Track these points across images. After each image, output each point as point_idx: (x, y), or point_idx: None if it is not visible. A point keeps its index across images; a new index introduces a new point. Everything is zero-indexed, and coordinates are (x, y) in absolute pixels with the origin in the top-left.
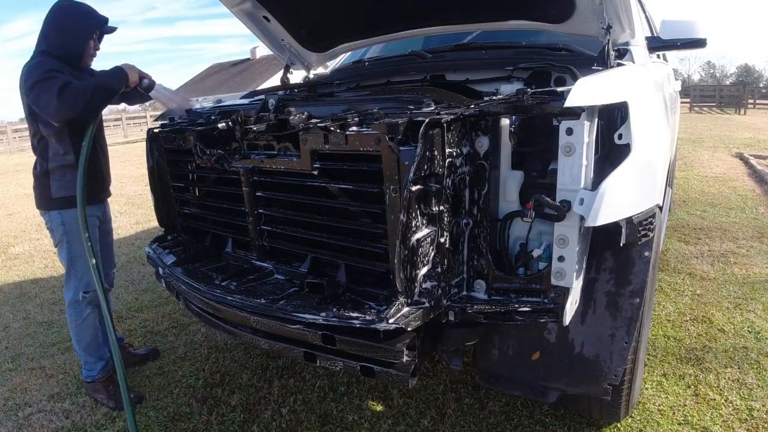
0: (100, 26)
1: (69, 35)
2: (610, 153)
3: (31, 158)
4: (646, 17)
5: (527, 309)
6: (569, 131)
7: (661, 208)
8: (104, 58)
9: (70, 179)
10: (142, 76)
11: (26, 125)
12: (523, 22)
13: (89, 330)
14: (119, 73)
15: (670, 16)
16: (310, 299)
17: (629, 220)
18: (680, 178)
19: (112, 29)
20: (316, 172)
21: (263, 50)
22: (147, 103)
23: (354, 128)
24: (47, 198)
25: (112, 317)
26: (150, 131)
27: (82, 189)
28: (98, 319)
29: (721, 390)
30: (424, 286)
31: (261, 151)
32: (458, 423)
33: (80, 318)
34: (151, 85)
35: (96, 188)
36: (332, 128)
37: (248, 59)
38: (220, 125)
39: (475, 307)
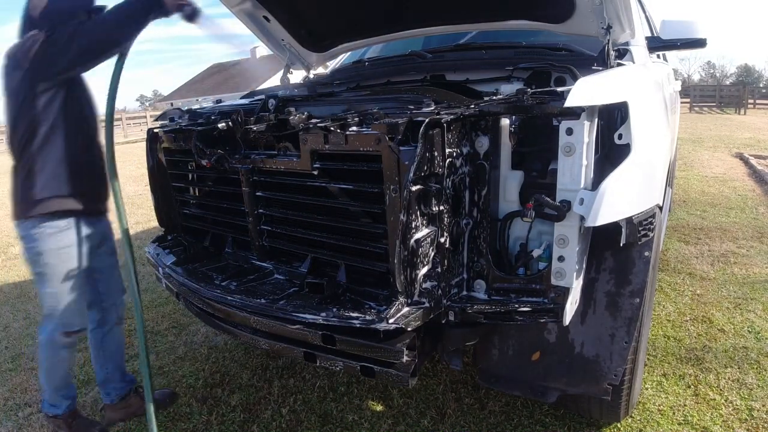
0: (87, 5)
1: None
2: (610, 153)
3: None
4: (646, 17)
5: (527, 309)
6: (569, 131)
7: (661, 208)
8: None
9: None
10: (182, 2)
11: None
12: (523, 22)
13: (63, 370)
14: None
15: (670, 16)
16: (310, 299)
17: (629, 220)
18: (680, 178)
19: (101, 8)
20: (316, 172)
21: (263, 50)
22: (148, 103)
23: (354, 128)
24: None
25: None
26: (150, 131)
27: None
28: (72, 358)
29: (721, 390)
30: (424, 286)
31: (261, 151)
32: (458, 423)
33: (55, 357)
34: (196, 12)
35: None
36: (332, 128)
37: (248, 59)
38: (220, 125)
39: (475, 307)
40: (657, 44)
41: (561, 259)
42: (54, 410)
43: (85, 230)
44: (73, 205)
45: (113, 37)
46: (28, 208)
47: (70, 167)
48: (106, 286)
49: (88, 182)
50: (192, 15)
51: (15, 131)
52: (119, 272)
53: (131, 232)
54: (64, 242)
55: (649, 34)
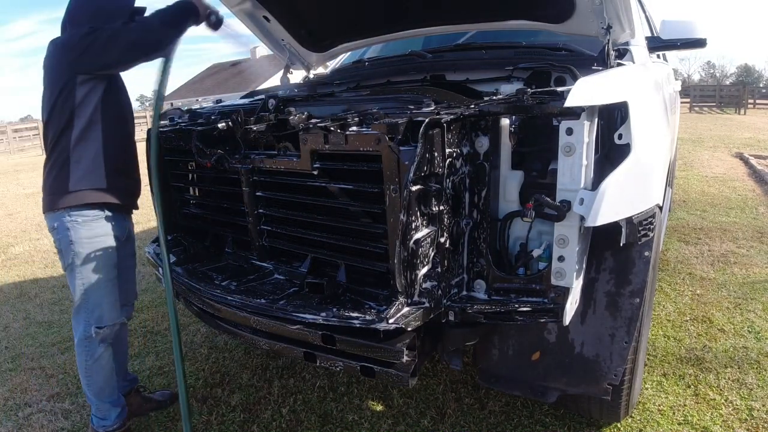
0: (130, 6)
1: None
2: (610, 153)
3: (30, 158)
4: (646, 17)
5: (527, 309)
6: (569, 131)
7: (661, 208)
8: None
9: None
10: (210, 10)
11: (26, 125)
12: (523, 22)
13: (102, 372)
14: (186, 6)
15: (670, 16)
16: (310, 299)
17: (629, 220)
18: (680, 178)
19: (142, 9)
20: (316, 172)
21: (263, 50)
22: (148, 103)
23: (354, 128)
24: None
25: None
26: (150, 131)
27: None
28: (113, 359)
29: (721, 390)
30: (424, 286)
31: (261, 151)
32: (458, 423)
33: (91, 358)
34: (220, 21)
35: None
36: (332, 128)
37: (248, 59)
38: (220, 125)
39: (475, 307)
40: (657, 44)
41: (561, 259)
42: (104, 423)
43: (115, 225)
44: (107, 199)
45: (155, 40)
46: (62, 199)
47: (106, 163)
48: (124, 287)
49: (122, 179)
50: (216, 23)
51: (50, 122)
52: (135, 275)
53: None
54: (96, 232)
55: (649, 34)
